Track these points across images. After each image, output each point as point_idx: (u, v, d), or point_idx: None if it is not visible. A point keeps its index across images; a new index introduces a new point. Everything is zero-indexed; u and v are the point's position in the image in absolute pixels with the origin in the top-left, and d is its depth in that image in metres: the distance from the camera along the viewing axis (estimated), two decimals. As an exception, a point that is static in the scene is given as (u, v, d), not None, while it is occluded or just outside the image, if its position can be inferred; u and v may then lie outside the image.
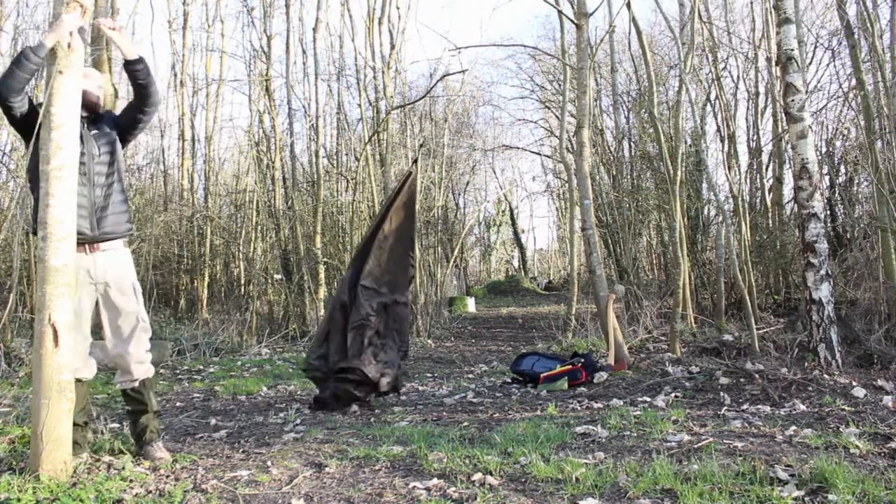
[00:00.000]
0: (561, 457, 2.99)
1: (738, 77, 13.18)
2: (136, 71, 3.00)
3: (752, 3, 12.36)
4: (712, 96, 12.42)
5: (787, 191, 11.79)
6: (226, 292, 12.48)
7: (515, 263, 31.24)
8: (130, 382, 3.11)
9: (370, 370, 4.46)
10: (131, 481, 2.73)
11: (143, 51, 2.97)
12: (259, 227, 12.73)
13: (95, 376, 3.16)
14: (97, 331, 3.16)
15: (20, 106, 2.83)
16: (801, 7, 10.57)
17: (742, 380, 4.59)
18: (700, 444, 3.13)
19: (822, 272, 4.71)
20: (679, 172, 7.64)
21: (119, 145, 3.14)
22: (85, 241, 2.96)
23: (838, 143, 10.81)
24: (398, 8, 12.46)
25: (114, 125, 3.15)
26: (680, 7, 10.90)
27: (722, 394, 4.32)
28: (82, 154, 3.00)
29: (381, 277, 4.72)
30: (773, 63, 9.52)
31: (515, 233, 30.14)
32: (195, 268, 12.30)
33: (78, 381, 2.98)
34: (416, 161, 5.23)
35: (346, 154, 13.56)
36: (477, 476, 2.76)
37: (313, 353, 4.77)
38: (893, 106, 6.03)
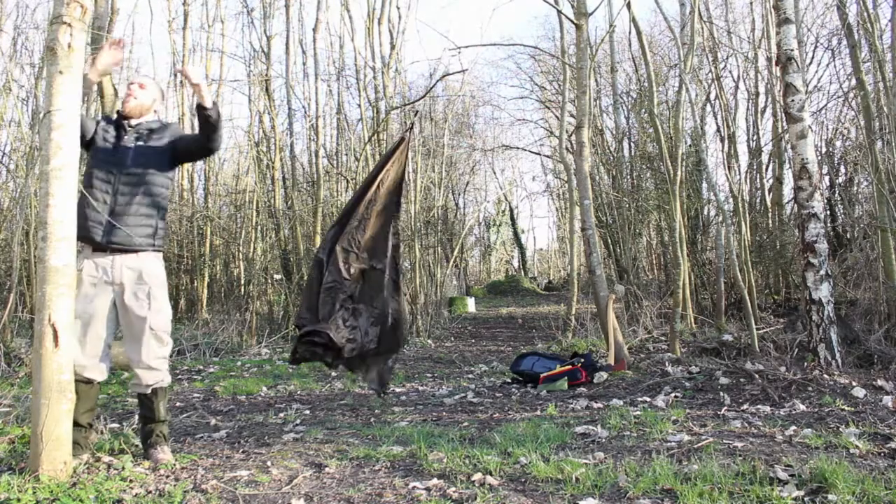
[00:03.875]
0: (561, 457, 2.99)
1: (738, 77, 13.19)
2: (207, 117, 3.06)
3: (752, 3, 12.37)
4: (712, 96, 12.43)
5: (787, 191, 11.80)
6: (226, 292, 12.47)
7: (515, 263, 31.24)
8: (140, 388, 3.09)
9: (336, 335, 4.31)
10: (131, 481, 2.73)
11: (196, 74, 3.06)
12: (259, 227, 12.72)
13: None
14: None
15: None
16: (801, 7, 10.58)
17: (742, 380, 4.59)
18: (700, 444, 3.13)
19: (822, 272, 4.71)
20: (679, 172, 7.64)
21: (163, 162, 3.15)
22: (98, 248, 3.01)
23: (838, 143, 10.82)
24: (398, 8, 12.48)
25: (170, 144, 3.18)
26: (680, 7, 10.91)
27: (722, 394, 4.32)
28: (112, 158, 3.06)
29: (362, 241, 4.55)
30: (773, 63, 9.52)
31: (515, 233, 30.14)
32: (195, 268, 12.29)
33: (88, 381, 2.99)
34: (411, 127, 5.10)
35: (346, 154, 13.55)
36: (477, 476, 2.75)
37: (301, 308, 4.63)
38: (893, 106, 6.03)
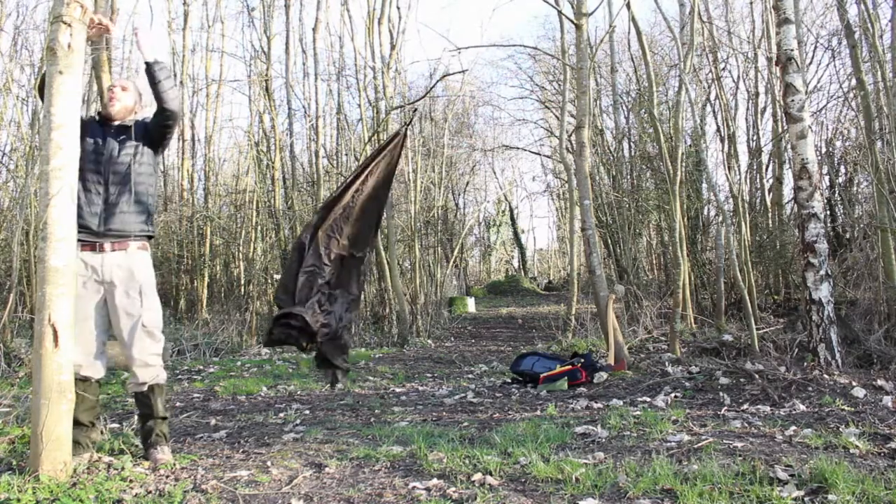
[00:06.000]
0: (561, 457, 2.99)
1: (738, 77, 13.19)
2: (150, 73, 3.11)
3: (752, 3, 12.37)
4: (712, 96, 12.43)
5: (787, 191, 11.81)
6: (226, 292, 12.47)
7: (515, 263, 31.25)
8: (137, 386, 3.11)
9: (311, 319, 4.32)
10: (131, 481, 2.73)
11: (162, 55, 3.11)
12: (259, 227, 12.72)
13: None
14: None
15: None
16: (801, 7, 10.58)
17: (742, 380, 4.59)
18: (700, 444, 3.13)
19: (822, 272, 4.71)
20: (679, 172, 7.63)
21: (143, 151, 3.21)
22: (92, 238, 3.04)
23: (838, 143, 10.82)
24: (398, 8, 12.47)
25: (143, 131, 3.24)
26: (680, 7, 10.92)
27: (722, 394, 4.32)
28: (101, 154, 3.12)
29: (345, 228, 4.59)
30: (773, 63, 9.52)
31: (515, 233, 30.15)
32: (195, 268, 12.29)
33: (86, 379, 3.01)
34: (409, 123, 5.07)
35: (346, 154, 13.56)
36: (477, 476, 2.75)
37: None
38: (893, 106, 6.03)
